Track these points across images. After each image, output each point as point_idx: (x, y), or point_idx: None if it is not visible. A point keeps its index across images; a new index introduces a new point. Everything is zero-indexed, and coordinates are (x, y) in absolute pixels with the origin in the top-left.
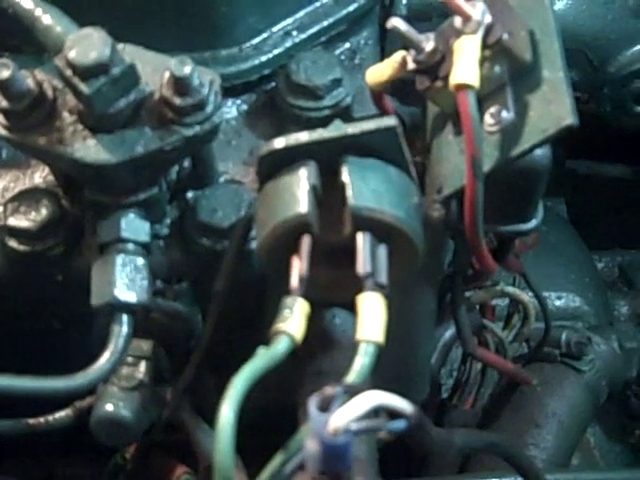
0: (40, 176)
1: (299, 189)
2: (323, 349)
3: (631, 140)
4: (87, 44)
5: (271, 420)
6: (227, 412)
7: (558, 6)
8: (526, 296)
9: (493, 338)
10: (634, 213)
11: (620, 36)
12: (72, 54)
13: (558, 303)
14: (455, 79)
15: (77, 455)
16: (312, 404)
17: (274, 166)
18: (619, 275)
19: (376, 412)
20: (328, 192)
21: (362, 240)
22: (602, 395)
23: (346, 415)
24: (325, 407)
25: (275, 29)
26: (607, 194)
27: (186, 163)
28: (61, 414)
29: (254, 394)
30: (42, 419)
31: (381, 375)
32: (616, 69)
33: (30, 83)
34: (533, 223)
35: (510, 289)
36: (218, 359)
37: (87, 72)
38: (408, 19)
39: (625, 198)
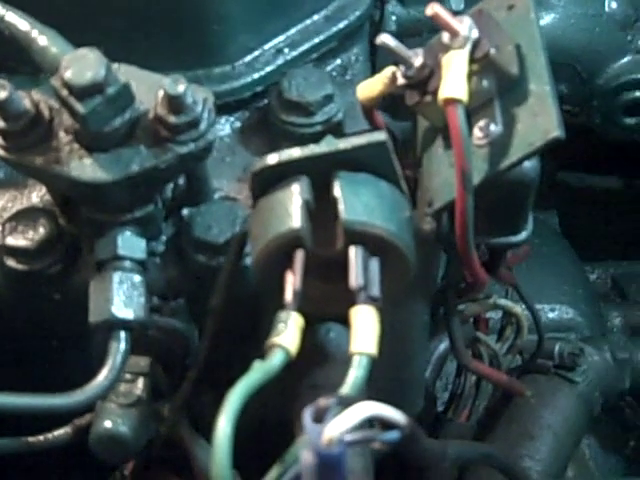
0: (37, 195)
1: (292, 204)
2: (318, 362)
3: (623, 152)
4: (82, 64)
5: (268, 434)
6: (224, 426)
7: (546, 20)
8: (519, 308)
9: (487, 350)
10: (626, 224)
11: (608, 49)
12: (68, 74)
13: (551, 315)
14: (444, 94)
15: (76, 473)
16: (307, 415)
17: (267, 182)
18: (612, 286)
19: (370, 423)
20: (321, 207)
21: (354, 254)
22: (596, 406)
23: (340, 426)
24: (319, 418)
25: (267, 47)
26: (599, 206)
27: (181, 180)
28: (60, 432)
29: (251, 408)
30: (41, 437)
31: (375, 388)
32: (605, 81)
33: (27, 103)
34: (523, 235)
35: (503, 301)
36: (215, 374)
37: (83, 92)
38: (398, 35)
39: (617, 210)
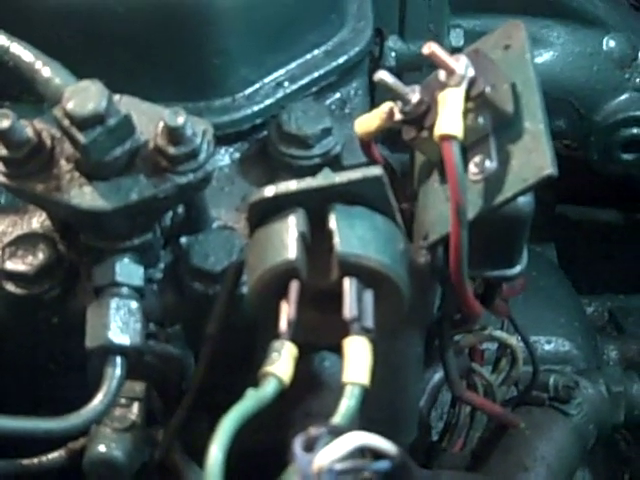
0: (37, 221)
1: (288, 236)
2: (312, 391)
3: (622, 186)
4: (85, 96)
5: (261, 461)
6: (215, 452)
7: (545, 57)
8: (514, 340)
9: (482, 381)
10: (624, 258)
11: (605, 86)
12: (70, 105)
13: (548, 347)
14: (440, 130)
15: None
16: (297, 444)
17: (264, 213)
18: (609, 320)
19: (363, 453)
20: (316, 239)
21: (349, 285)
22: (590, 438)
23: (330, 455)
24: (310, 447)
25: (267, 80)
26: (598, 239)
27: (180, 209)
28: (54, 455)
29: (245, 435)
30: (35, 460)
31: (369, 417)
32: (602, 118)
33: (29, 132)
34: (518, 269)
35: (498, 333)
36: (210, 401)
37: (84, 122)
38: (398, 69)
39: (616, 243)
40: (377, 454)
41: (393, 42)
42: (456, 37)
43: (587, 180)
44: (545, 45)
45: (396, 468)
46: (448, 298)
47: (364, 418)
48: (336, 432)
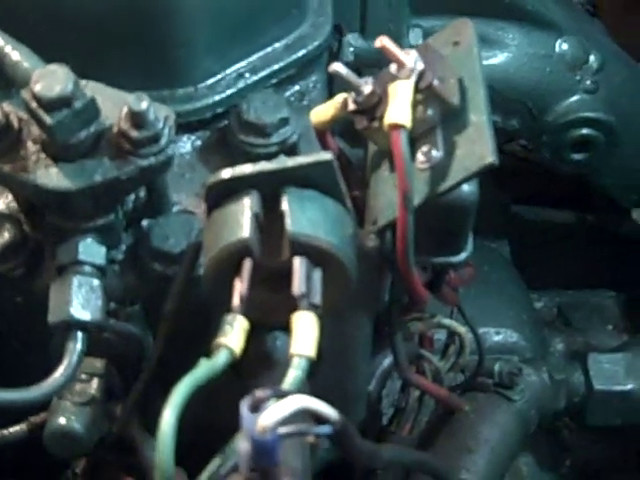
0: (3, 202)
1: (242, 216)
2: (265, 368)
3: (574, 188)
4: (52, 79)
5: (218, 439)
6: (169, 416)
7: (500, 58)
8: (462, 328)
9: (430, 367)
10: (575, 256)
11: (557, 88)
12: (38, 87)
13: (496, 338)
14: (389, 119)
15: (29, 471)
16: (244, 406)
17: (220, 195)
18: (557, 314)
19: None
20: (269, 220)
21: (298, 264)
22: (532, 423)
23: (274, 414)
24: (256, 408)
25: (229, 71)
26: (550, 238)
27: (142, 193)
28: (16, 428)
29: (203, 413)
30: None
31: (319, 396)
32: (553, 118)
33: None
34: (463, 256)
35: (447, 321)
36: (167, 379)
37: (51, 104)
38: (357, 65)
39: (568, 242)
40: (320, 420)
41: (354, 40)
42: (415, 36)
43: (542, 182)
44: (500, 46)
45: (337, 433)
46: (396, 283)
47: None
48: (281, 395)
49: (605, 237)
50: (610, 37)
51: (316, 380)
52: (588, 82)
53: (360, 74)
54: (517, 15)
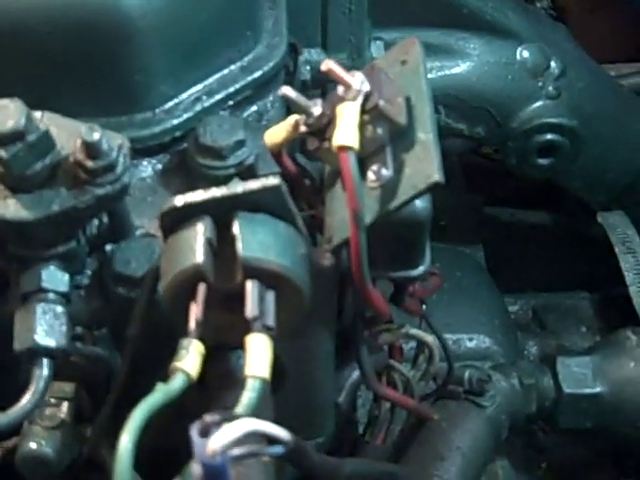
0: None
1: (195, 242)
2: (228, 387)
3: (547, 188)
4: (4, 114)
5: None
6: (126, 441)
7: (463, 67)
8: (430, 337)
9: (400, 377)
10: (550, 258)
11: (520, 95)
12: None
13: (469, 344)
14: (336, 141)
15: None
16: (194, 431)
17: (175, 221)
18: (532, 317)
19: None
20: (222, 244)
21: (250, 287)
22: (503, 428)
23: (222, 438)
24: (206, 433)
25: (186, 95)
26: (526, 240)
27: (104, 219)
28: None
29: (166, 434)
30: None
31: (284, 412)
32: (518, 125)
33: None
34: (421, 269)
35: (414, 331)
36: (135, 401)
37: (4, 139)
38: (320, 82)
39: (543, 244)
40: (272, 440)
41: (317, 54)
42: (377, 49)
43: (515, 183)
44: (462, 56)
45: (290, 452)
46: (357, 298)
47: (279, 413)
48: (230, 419)
49: (578, 237)
50: (576, 40)
51: (281, 396)
52: (550, 88)
53: (324, 89)
54: (477, 25)
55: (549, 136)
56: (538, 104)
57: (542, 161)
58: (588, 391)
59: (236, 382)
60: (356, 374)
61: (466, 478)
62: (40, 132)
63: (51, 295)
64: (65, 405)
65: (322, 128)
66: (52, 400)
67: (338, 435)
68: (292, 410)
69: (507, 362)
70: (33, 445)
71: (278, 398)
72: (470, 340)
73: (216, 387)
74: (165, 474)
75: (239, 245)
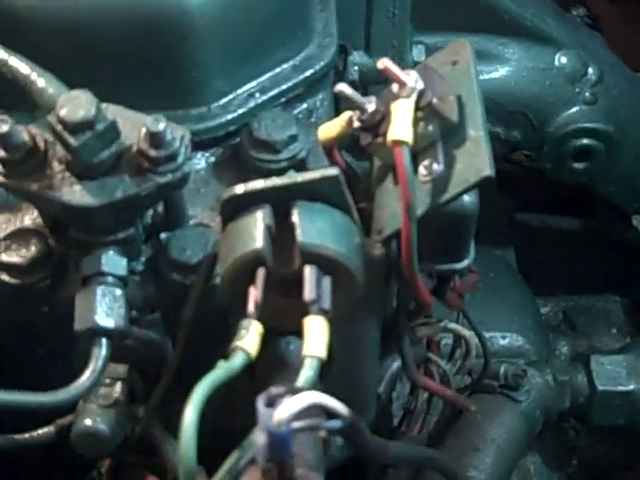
0: (29, 218)
1: (256, 228)
2: (279, 371)
3: (577, 194)
4: (76, 104)
5: (235, 439)
6: (190, 413)
7: (501, 72)
8: (468, 332)
9: (438, 370)
10: (579, 262)
11: (557, 100)
12: (63, 112)
13: (502, 342)
14: (392, 136)
15: (57, 473)
16: (260, 401)
17: (235, 209)
18: (563, 318)
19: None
20: (281, 231)
21: (309, 272)
22: (537, 423)
23: (288, 409)
24: (271, 403)
25: (240, 91)
26: (556, 244)
27: (160, 208)
28: (44, 430)
29: (220, 417)
30: (27, 435)
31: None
32: (554, 129)
33: (25, 136)
34: (465, 263)
35: (453, 325)
36: (185, 385)
37: (75, 127)
38: (364, 83)
39: (572, 248)
40: (330, 415)
41: (360, 57)
42: (418, 53)
43: (546, 189)
44: (501, 61)
45: (347, 428)
46: (402, 289)
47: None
48: (294, 391)
49: (609, 242)
50: (609, 49)
51: (327, 381)
52: (587, 94)
53: (366, 90)
54: (517, 31)
55: (585, 141)
56: (575, 109)
57: (577, 165)
58: (621, 389)
59: (285, 366)
60: (395, 366)
61: (500, 470)
62: (108, 122)
63: (110, 278)
64: (119, 385)
65: (375, 124)
66: (106, 380)
67: (375, 425)
68: (337, 395)
69: (540, 360)
70: (89, 422)
71: (324, 382)
72: (503, 338)
73: (265, 370)
74: (207, 455)
75: (298, 232)
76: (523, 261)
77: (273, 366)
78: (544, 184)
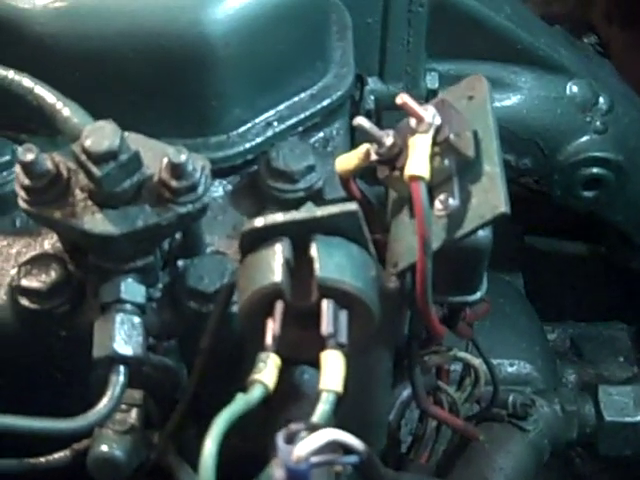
0: (49, 243)
1: (274, 261)
2: (293, 400)
3: (587, 220)
4: (100, 134)
5: (248, 466)
6: (210, 446)
7: (513, 100)
8: (477, 361)
9: (447, 398)
10: (588, 289)
11: (568, 128)
12: (88, 142)
13: (510, 369)
14: (409, 171)
15: None
16: (280, 437)
17: (254, 241)
18: (570, 346)
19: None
20: (299, 265)
21: (326, 306)
22: (545, 452)
23: (307, 446)
24: (291, 440)
25: (258, 120)
26: (564, 270)
27: (178, 235)
28: (60, 454)
29: (234, 443)
30: (42, 459)
31: (342, 426)
32: (565, 158)
33: (49, 164)
34: (478, 295)
35: (462, 354)
36: (200, 410)
37: (99, 158)
38: (378, 110)
39: (581, 274)
40: (347, 450)
41: (374, 83)
42: (432, 80)
43: (555, 213)
44: (513, 89)
45: (363, 463)
46: (415, 320)
47: (338, 427)
48: (313, 428)
49: (617, 269)
50: (620, 76)
51: (340, 411)
52: (598, 123)
53: (379, 116)
54: (529, 59)
55: (595, 170)
56: (585, 138)
57: (587, 194)
58: (629, 419)
59: (299, 395)
60: (406, 393)
61: None
62: (131, 152)
63: (129, 306)
64: (134, 411)
65: (393, 157)
66: (123, 406)
67: (383, 451)
68: (348, 425)
69: (548, 388)
70: (105, 447)
71: (337, 413)
72: (511, 365)
73: (279, 398)
74: None
75: (317, 266)
76: (530, 285)
77: (287, 394)
78: (551, 207)
